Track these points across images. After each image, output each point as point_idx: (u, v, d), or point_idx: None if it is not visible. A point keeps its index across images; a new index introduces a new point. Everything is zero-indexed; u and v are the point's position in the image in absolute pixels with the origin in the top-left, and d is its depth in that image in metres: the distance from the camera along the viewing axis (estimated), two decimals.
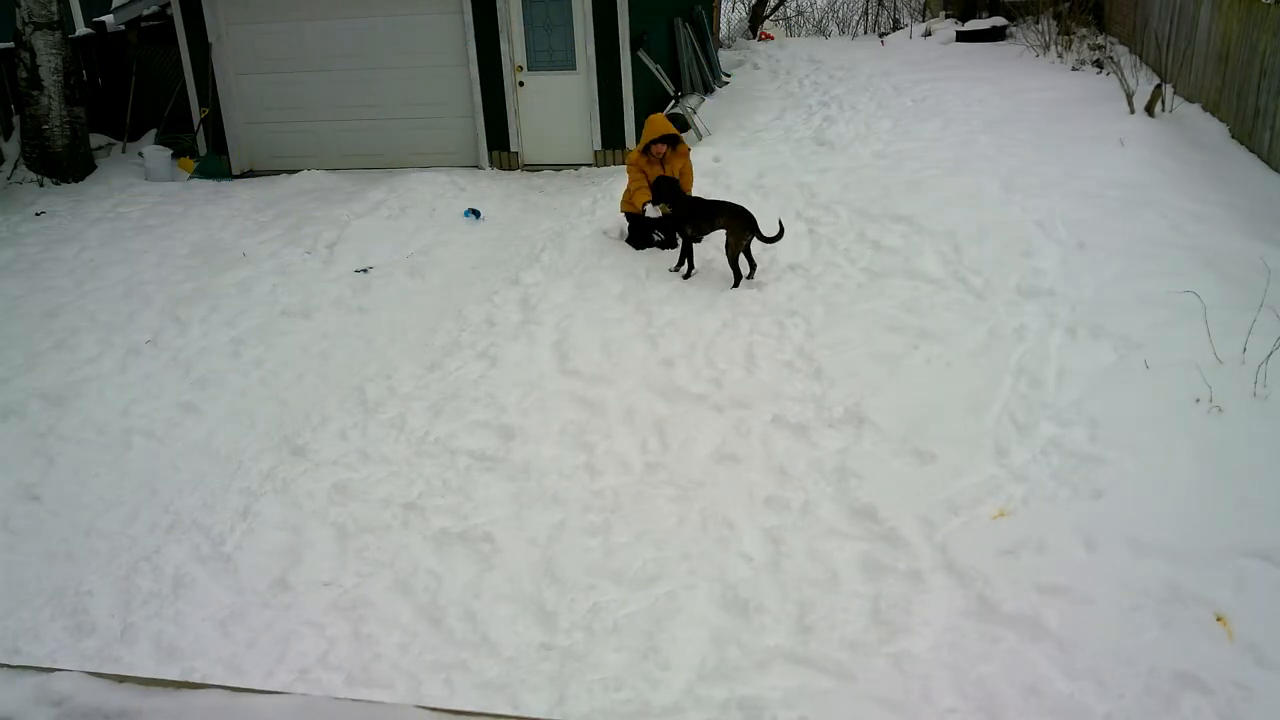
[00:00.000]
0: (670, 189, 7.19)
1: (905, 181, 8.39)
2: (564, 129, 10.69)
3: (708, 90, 13.09)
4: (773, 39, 18.63)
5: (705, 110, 11.93)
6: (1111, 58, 11.64)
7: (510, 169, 10.79)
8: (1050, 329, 5.66)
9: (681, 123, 11.19)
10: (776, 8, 20.28)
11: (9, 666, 2.24)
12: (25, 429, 5.85)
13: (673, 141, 7.70)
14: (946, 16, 17.87)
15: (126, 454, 5.54)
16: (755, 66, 15.23)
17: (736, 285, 6.81)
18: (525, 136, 10.79)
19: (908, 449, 4.75)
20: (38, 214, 9.90)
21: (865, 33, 19.56)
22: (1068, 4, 14.14)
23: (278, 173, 10.94)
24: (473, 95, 10.67)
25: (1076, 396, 4.94)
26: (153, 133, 12.00)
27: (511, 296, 7.05)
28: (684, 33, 12.75)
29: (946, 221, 7.30)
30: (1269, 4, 7.97)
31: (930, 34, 16.75)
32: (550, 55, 10.51)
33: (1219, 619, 3.49)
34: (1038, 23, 14.32)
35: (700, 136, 10.84)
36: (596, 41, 10.26)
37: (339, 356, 6.51)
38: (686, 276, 7.15)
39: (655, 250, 7.66)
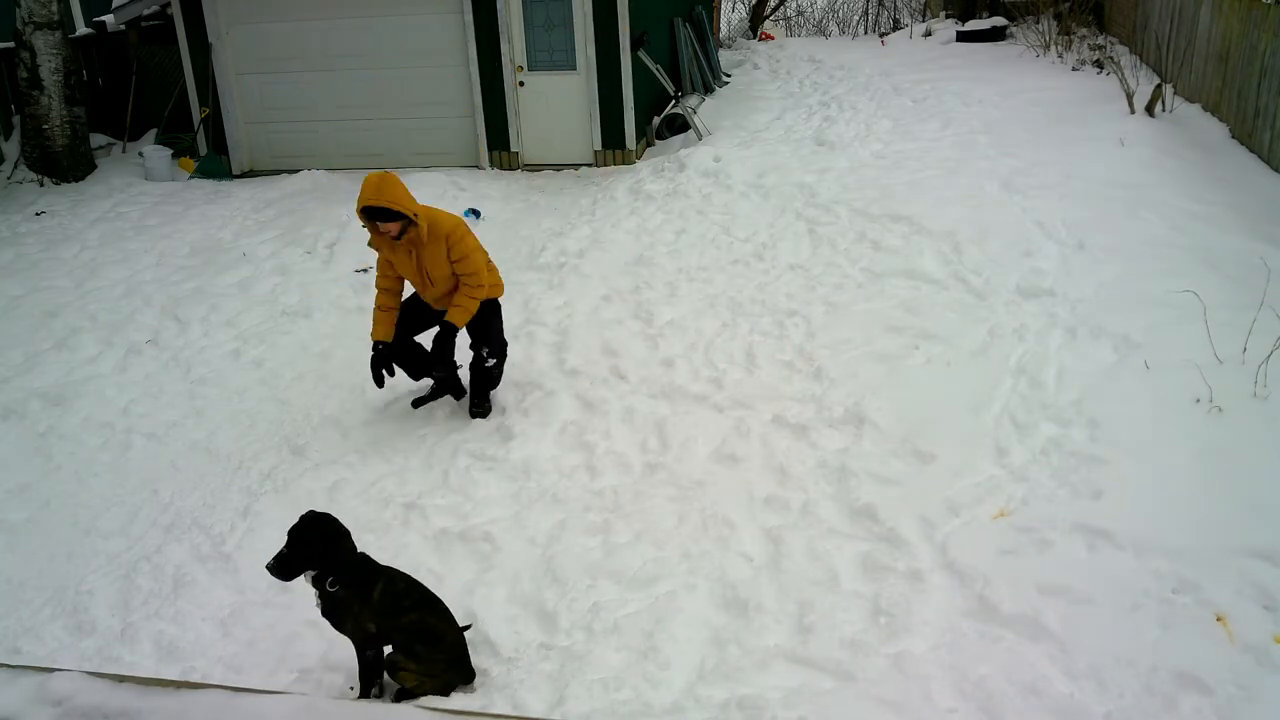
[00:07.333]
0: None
1: (905, 182, 8.40)
2: (564, 129, 10.70)
3: (708, 90, 13.09)
4: (773, 39, 18.62)
5: (705, 110, 11.93)
6: (1112, 58, 11.64)
7: (510, 169, 10.79)
8: (1050, 329, 5.66)
9: (682, 122, 11.21)
10: (776, 8, 20.26)
11: (9, 666, 2.24)
12: (25, 429, 5.85)
13: (386, 218, 4.78)
14: (946, 16, 17.87)
15: (126, 454, 5.53)
16: (755, 66, 15.23)
17: None
18: (525, 136, 10.80)
19: (908, 449, 4.74)
20: (38, 214, 9.90)
21: (865, 33, 19.55)
22: (1068, 4, 14.14)
23: (278, 173, 10.94)
24: (473, 95, 10.68)
25: (1076, 396, 4.94)
26: (153, 133, 12.00)
27: (512, 296, 7.04)
28: (684, 33, 12.75)
29: (946, 221, 7.30)
30: (1269, 4, 7.97)
31: (930, 34, 16.75)
32: (550, 55, 10.52)
33: (1219, 619, 3.48)
34: (1038, 23, 14.32)
35: (700, 136, 10.85)
36: (596, 41, 10.27)
37: (339, 356, 6.50)
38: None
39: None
